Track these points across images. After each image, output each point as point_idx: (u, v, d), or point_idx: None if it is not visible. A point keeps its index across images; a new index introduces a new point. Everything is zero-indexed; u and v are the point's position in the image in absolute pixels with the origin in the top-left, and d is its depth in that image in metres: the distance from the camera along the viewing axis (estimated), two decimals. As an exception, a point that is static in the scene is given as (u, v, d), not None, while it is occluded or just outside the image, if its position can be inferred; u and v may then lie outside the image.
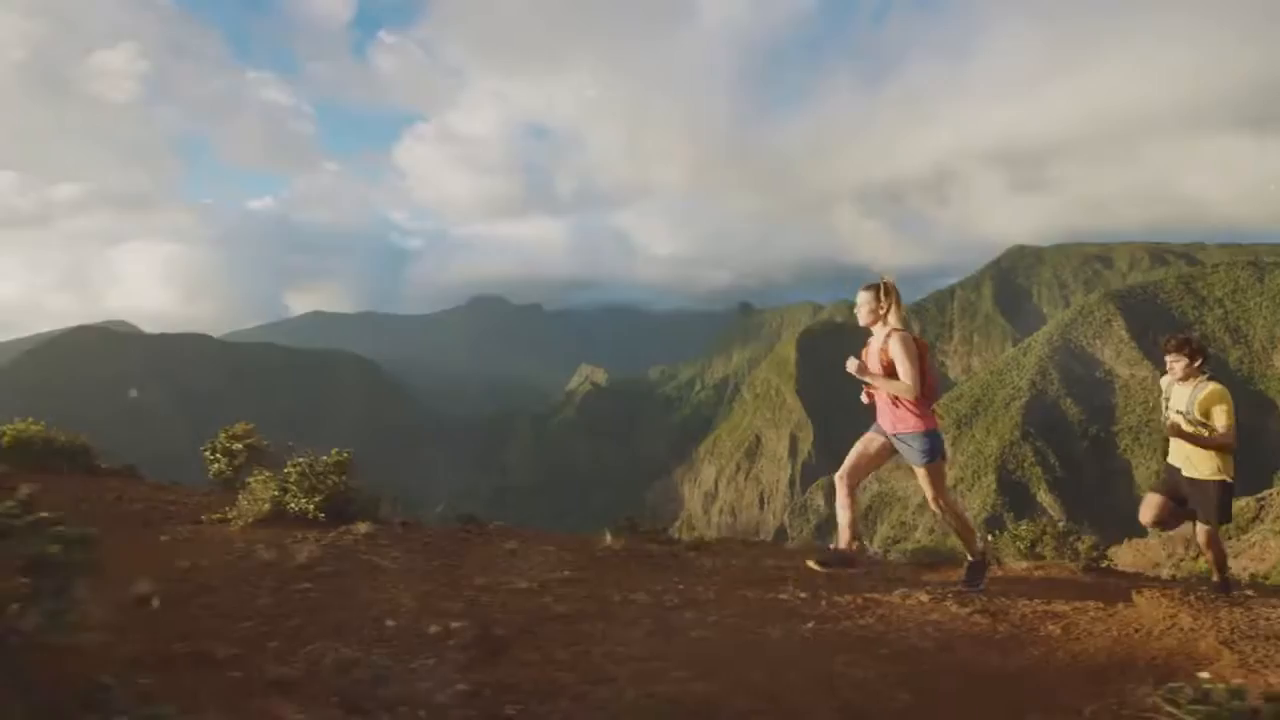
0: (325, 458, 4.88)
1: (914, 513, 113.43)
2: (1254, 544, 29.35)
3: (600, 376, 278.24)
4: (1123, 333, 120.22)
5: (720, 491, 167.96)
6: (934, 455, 4.18)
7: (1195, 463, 4.73)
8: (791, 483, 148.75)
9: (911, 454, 4.20)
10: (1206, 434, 4.67)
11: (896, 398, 4.17)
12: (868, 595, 3.94)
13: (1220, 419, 4.59)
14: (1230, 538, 30.23)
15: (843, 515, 4.36)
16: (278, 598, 3.19)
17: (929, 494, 4.27)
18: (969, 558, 4.34)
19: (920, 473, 4.22)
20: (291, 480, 4.73)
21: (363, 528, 4.44)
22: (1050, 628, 3.47)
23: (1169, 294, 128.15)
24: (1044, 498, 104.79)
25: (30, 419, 5.84)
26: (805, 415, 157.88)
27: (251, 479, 4.87)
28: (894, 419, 4.23)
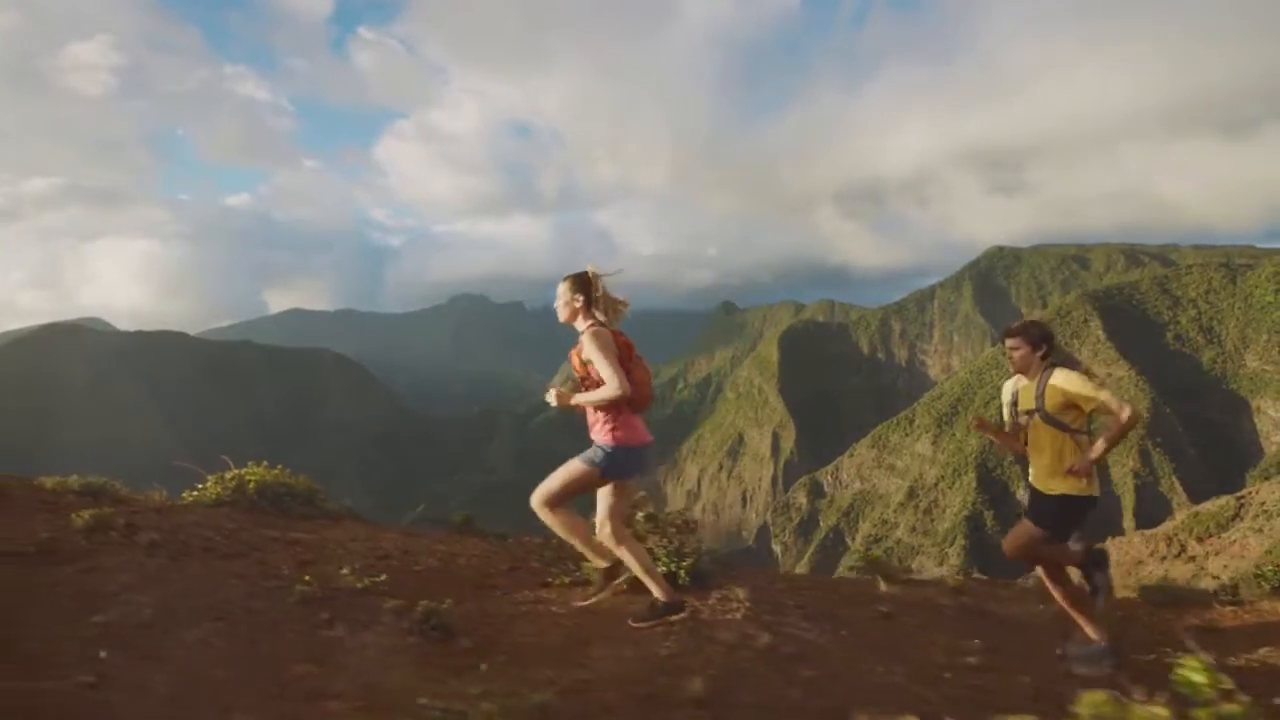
0: (669, 513, 4.49)
1: (895, 511, 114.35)
2: (1234, 541, 29.85)
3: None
4: (1100, 332, 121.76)
5: (703, 490, 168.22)
6: (605, 468, 3.56)
7: (1053, 478, 3.82)
8: (774, 481, 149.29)
9: (588, 452, 3.66)
10: (1059, 435, 3.78)
11: (598, 406, 3.56)
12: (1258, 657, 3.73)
13: (1095, 395, 3.60)
14: (1210, 535, 30.50)
15: (583, 545, 3.81)
16: (807, 691, 2.89)
17: (599, 512, 3.65)
18: (657, 596, 3.61)
19: (572, 462, 3.65)
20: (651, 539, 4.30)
21: (741, 593, 3.99)
22: None
23: (1144, 295, 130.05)
24: (1023, 495, 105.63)
25: (264, 462, 5.61)
26: (787, 414, 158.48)
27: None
28: (592, 429, 3.66)
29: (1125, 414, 3.51)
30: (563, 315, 3.72)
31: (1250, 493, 30.27)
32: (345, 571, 3.84)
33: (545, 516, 3.73)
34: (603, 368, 3.49)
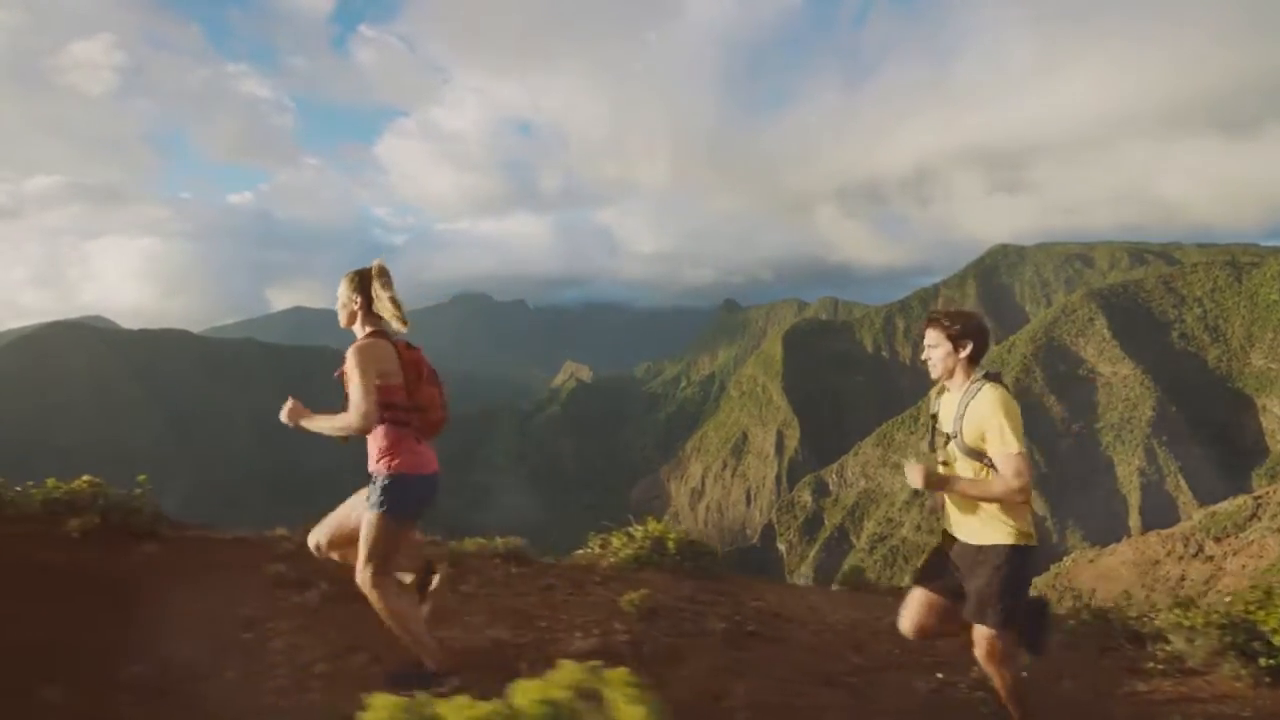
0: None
1: (900, 510, 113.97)
2: (1251, 542, 29.51)
3: (585, 373, 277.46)
4: (1104, 331, 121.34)
5: (707, 489, 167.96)
6: (390, 506, 2.88)
7: (976, 521, 2.87)
8: (778, 479, 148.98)
9: (369, 496, 2.96)
10: (981, 469, 2.76)
11: (357, 432, 2.92)
12: None
13: (997, 440, 2.64)
14: (1228, 535, 30.01)
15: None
16: None
17: (360, 554, 2.89)
18: (423, 660, 2.94)
19: (365, 519, 2.91)
20: None
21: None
22: None
23: (1149, 293, 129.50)
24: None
25: (652, 518, 5.29)
26: (791, 412, 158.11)
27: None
28: (369, 455, 3.04)
29: (1014, 486, 2.60)
30: (341, 319, 3.13)
31: (1268, 492, 29.91)
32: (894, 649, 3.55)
33: (375, 599, 2.89)
34: (354, 388, 2.82)
